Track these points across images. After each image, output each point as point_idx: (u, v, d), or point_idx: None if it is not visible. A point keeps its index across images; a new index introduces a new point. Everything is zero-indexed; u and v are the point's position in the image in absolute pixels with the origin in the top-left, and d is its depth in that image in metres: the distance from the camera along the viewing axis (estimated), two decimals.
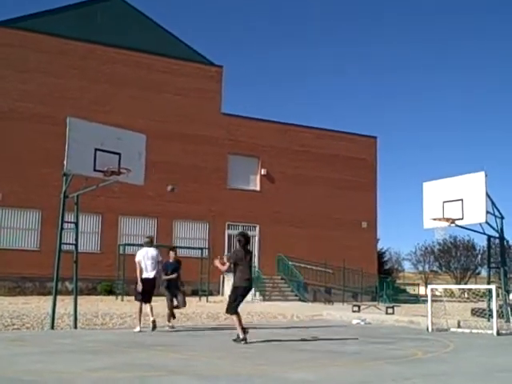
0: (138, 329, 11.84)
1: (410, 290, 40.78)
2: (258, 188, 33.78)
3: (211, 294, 28.34)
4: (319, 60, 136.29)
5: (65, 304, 16.88)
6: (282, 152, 34.05)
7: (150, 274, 12.39)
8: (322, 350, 9.86)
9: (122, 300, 24.73)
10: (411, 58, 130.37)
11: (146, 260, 12.51)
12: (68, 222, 12.87)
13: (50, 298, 13.11)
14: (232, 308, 10.50)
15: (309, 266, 31.49)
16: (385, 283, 32.42)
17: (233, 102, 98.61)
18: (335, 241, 33.52)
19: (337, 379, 6.98)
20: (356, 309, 19.94)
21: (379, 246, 43.68)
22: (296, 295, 29.43)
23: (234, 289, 10.64)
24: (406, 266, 68.13)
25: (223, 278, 31.35)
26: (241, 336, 10.27)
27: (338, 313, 19.04)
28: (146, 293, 12.24)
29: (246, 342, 10.11)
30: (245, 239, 10.84)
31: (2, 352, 8.62)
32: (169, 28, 33.36)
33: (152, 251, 12.77)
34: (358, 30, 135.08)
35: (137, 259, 12.49)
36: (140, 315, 12.24)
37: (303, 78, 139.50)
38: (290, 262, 31.04)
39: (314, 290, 30.54)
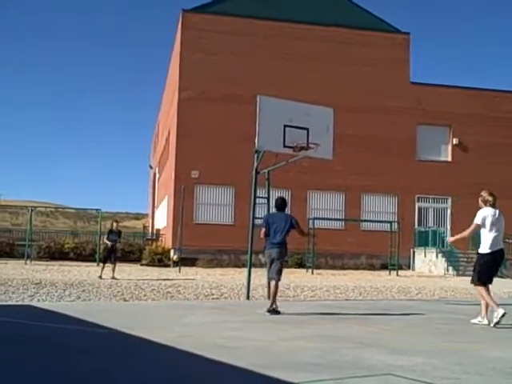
0: None
1: None
2: (449, 159, 32.47)
3: (401, 268, 27.90)
4: None
5: (258, 276, 17.57)
6: (476, 119, 32.26)
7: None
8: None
9: (312, 273, 25.23)
10: None
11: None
12: (260, 197, 13.32)
13: (245, 270, 13.74)
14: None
15: (506, 240, 29.65)
16: None
17: (422, 69, 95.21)
18: None
19: None
20: None
21: None
22: None
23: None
24: None
25: (413, 252, 30.70)
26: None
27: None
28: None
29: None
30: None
31: (204, 319, 9.22)
32: None
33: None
34: None
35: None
36: None
37: (493, 41, 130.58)
38: None
39: None
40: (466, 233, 9.38)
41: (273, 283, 10.20)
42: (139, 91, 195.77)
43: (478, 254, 9.35)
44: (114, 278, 17.84)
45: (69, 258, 29.66)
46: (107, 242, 18.76)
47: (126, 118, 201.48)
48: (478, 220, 9.16)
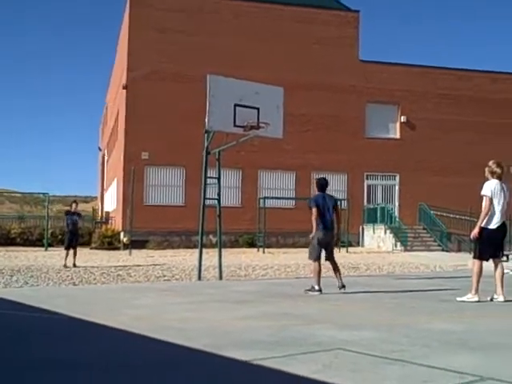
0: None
1: None
2: (397, 136, 32.92)
3: (351, 244, 28.31)
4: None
5: (210, 256, 17.59)
6: (423, 97, 32.72)
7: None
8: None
9: (264, 252, 25.37)
10: None
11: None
12: (211, 178, 13.30)
13: (196, 251, 13.71)
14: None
15: (452, 216, 30.47)
16: None
17: (371, 47, 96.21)
18: (481, 189, 31.98)
19: (482, 330, 6.73)
20: (504, 258, 19.05)
21: None
22: (439, 245, 28.69)
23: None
24: None
25: (363, 228, 31.19)
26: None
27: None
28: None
29: None
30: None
31: (155, 301, 9.20)
32: None
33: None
34: None
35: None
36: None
37: (441, 19, 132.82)
38: (432, 212, 30.21)
39: (458, 239, 29.55)
40: (484, 212, 8.69)
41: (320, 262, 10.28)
42: (88, 72, 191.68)
43: (481, 228, 8.72)
44: (75, 265, 16.53)
45: (15, 244, 29.04)
46: (67, 222, 17.56)
47: (73, 99, 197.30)
48: (487, 192, 8.60)
